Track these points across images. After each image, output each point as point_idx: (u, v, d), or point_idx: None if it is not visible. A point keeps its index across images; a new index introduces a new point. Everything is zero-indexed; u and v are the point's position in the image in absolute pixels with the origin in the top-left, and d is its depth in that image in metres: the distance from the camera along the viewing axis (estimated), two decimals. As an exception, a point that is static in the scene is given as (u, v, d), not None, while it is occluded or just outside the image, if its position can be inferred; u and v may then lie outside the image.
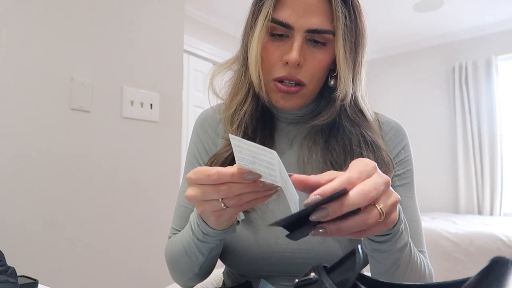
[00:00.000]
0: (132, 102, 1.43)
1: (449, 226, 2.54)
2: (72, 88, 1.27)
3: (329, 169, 0.63)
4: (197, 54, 3.15)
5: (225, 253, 0.67)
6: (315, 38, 0.61)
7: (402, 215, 0.48)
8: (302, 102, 0.66)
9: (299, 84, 0.63)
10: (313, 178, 0.39)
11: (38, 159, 1.18)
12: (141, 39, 1.48)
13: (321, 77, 0.65)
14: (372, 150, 0.64)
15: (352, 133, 0.64)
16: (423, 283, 0.32)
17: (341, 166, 0.63)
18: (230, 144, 0.66)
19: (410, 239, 0.54)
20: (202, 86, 3.21)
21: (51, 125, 1.22)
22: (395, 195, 0.41)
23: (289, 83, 0.63)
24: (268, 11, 0.60)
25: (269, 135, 0.69)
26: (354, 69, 0.63)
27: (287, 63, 0.61)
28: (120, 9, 1.42)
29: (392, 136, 0.70)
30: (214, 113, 0.76)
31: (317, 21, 0.59)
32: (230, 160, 0.65)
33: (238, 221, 0.56)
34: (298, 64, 0.61)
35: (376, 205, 0.38)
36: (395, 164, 0.67)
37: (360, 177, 0.38)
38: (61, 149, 1.24)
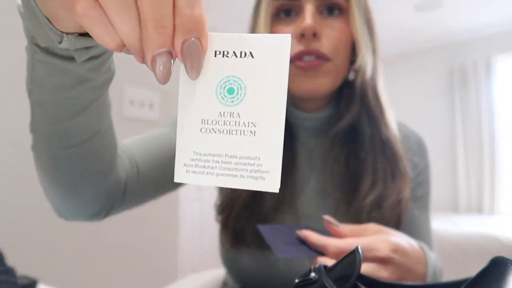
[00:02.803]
0: (132, 102, 1.43)
1: (449, 227, 2.54)
2: (72, 88, 1.27)
3: (347, 193, 0.59)
4: (197, 54, 3.15)
5: (234, 276, 0.64)
6: (327, 4, 0.56)
7: None
8: (330, 82, 0.58)
9: (321, 58, 0.56)
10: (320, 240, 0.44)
11: (38, 159, 1.18)
12: (141, 39, 1.48)
13: (345, 52, 0.58)
14: (386, 157, 0.59)
15: (369, 138, 0.59)
16: (423, 283, 0.32)
17: (357, 184, 0.59)
18: None
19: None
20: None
21: (51, 125, 1.22)
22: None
23: (309, 58, 0.55)
24: None
25: (290, 156, 0.62)
26: (370, 35, 0.59)
27: (302, 35, 0.54)
28: (120, 9, 1.42)
29: (415, 153, 0.65)
30: None
31: None
32: (247, 201, 0.60)
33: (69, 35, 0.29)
34: (315, 35, 0.54)
35: None
36: (415, 185, 0.63)
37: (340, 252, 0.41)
38: (61, 149, 1.24)
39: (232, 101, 0.25)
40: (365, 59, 0.57)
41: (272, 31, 0.57)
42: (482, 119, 3.40)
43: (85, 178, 0.44)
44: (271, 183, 0.24)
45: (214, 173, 0.25)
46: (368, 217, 0.56)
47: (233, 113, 0.25)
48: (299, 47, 0.55)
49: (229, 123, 0.25)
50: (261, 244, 0.59)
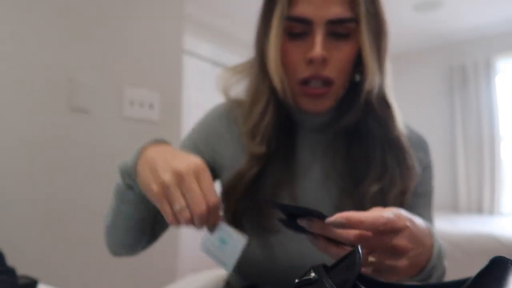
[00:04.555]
0: (132, 102, 1.43)
1: (449, 227, 2.54)
2: (72, 88, 1.27)
3: (352, 182, 0.61)
4: (197, 54, 3.15)
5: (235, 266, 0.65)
6: (337, 30, 0.56)
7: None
8: (332, 102, 0.62)
9: (327, 83, 0.58)
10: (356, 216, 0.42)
11: (38, 159, 1.18)
12: (141, 39, 1.48)
13: (348, 72, 0.60)
14: (394, 154, 0.61)
15: (375, 135, 0.61)
16: (423, 283, 0.32)
17: (363, 175, 0.60)
18: (255, 160, 0.62)
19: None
20: (202, 86, 3.21)
21: (51, 125, 1.22)
22: (401, 269, 0.42)
23: (316, 83, 0.58)
24: (283, 9, 0.56)
25: (291, 147, 0.65)
26: (379, 57, 0.59)
27: (311, 61, 0.56)
28: (120, 9, 1.42)
29: (417, 149, 0.66)
30: (228, 123, 0.69)
31: (337, 10, 0.55)
32: (256, 179, 0.62)
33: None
34: (324, 60, 0.56)
35: (370, 255, 0.42)
36: (419, 181, 0.64)
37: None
38: (61, 149, 1.24)
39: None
40: (373, 78, 0.58)
41: (282, 47, 0.58)
42: (482, 120, 3.40)
43: (141, 241, 0.64)
44: None
45: None
46: (371, 204, 0.57)
47: None
48: (307, 72, 0.57)
49: None
50: (261, 229, 0.61)
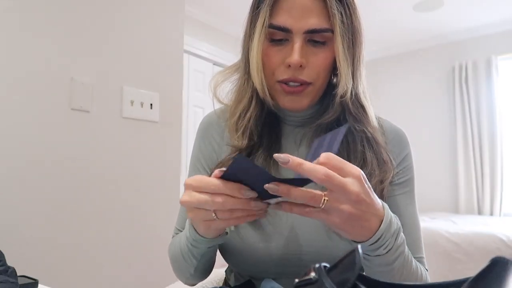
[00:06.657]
0: (132, 102, 1.43)
1: (449, 226, 2.54)
2: (72, 88, 1.27)
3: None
4: (197, 54, 3.15)
5: (231, 255, 0.67)
6: (314, 38, 0.62)
7: (380, 247, 0.48)
8: (310, 101, 0.66)
9: (304, 83, 0.63)
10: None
11: (38, 159, 1.18)
12: (141, 39, 1.48)
13: (325, 76, 0.65)
14: (372, 149, 0.65)
15: (356, 130, 0.66)
16: (422, 283, 0.32)
17: None
18: (236, 150, 0.67)
19: (407, 252, 0.54)
20: (202, 86, 3.21)
21: (51, 125, 1.22)
22: (347, 210, 0.43)
23: (293, 84, 0.63)
24: (265, 18, 0.61)
25: (275, 139, 0.70)
26: (353, 65, 0.64)
27: (289, 66, 0.61)
28: (121, 9, 1.42)
29: (395, 144, 0.70)
30: (218, 119, 0.76)
31: (315, 21, 0.60)
32: None
33: (226, 232, 0.57)
34: (301, 66, 0.61)
35: (324, 195, 0.43)
36: (397, 172, 0.68)
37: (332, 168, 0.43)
38: (61, 149, 1.24)
39: None
40: (346, 84, 0.63)
41: (264, 52, 0.63)
42: (482, 119, 3.40)
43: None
44: None
45: None
46: None
47: None
48: (286, 74, 0.63)
49: None
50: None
